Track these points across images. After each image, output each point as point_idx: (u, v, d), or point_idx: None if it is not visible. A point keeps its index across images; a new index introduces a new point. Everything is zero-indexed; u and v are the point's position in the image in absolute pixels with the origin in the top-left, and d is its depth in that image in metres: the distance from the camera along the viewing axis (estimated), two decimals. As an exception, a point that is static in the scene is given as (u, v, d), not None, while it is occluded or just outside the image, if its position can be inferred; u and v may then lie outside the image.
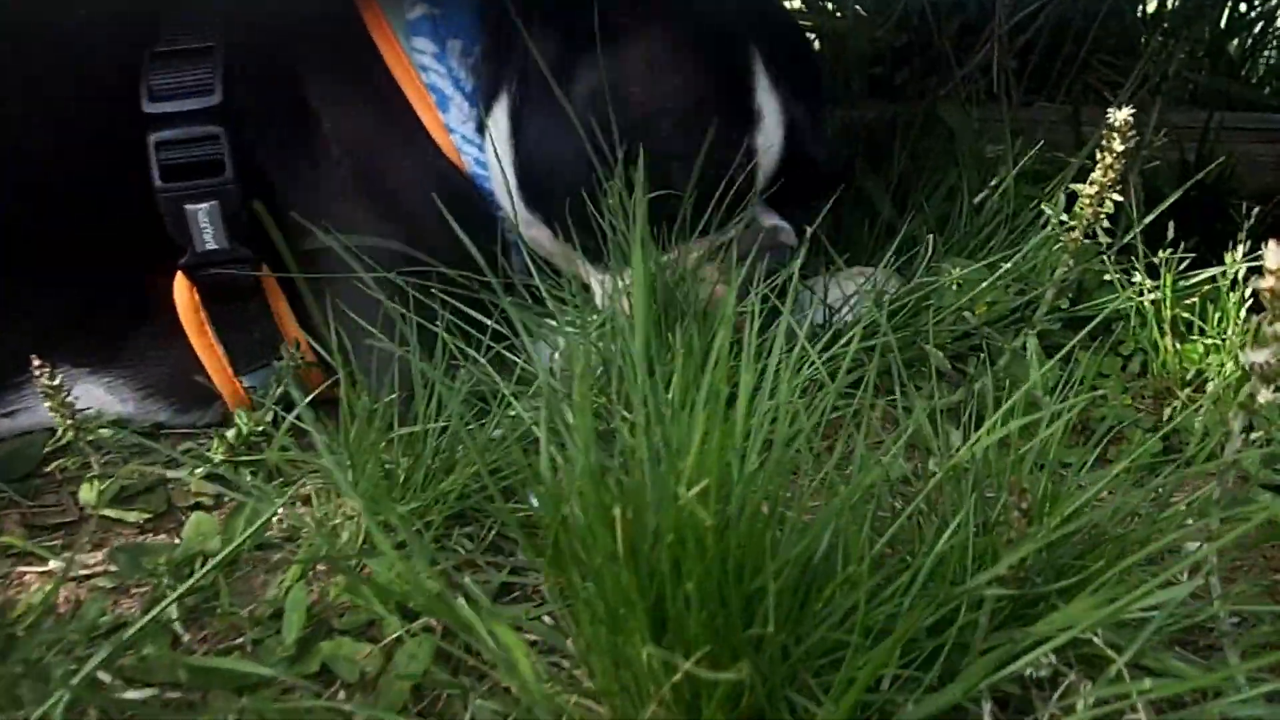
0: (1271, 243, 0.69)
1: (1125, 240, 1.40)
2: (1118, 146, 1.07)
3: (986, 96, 1.91)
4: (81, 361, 1.37)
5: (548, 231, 1.39)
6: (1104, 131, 1.07)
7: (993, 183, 1.56)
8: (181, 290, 1.35)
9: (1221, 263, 1.47)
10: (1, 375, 1.33)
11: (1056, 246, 1.22)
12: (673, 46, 1.33)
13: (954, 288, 1.33)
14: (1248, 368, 0.73)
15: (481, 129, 1.40)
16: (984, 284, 1.33)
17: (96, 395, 1.38)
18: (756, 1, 1.41)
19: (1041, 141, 1.64)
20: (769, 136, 1.35)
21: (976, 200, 1.57)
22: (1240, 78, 2.02)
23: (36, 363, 1.17)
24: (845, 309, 1.43)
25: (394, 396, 1.20)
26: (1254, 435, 0.79)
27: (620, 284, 1.32)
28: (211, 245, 1.32)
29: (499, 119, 1.38)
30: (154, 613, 0.95)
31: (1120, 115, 1.05)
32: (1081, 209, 1.14)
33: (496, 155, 1.38)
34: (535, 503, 0.98)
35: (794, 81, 1.37)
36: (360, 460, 1.08)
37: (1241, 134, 1.87)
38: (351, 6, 1.40)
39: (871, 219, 1.75)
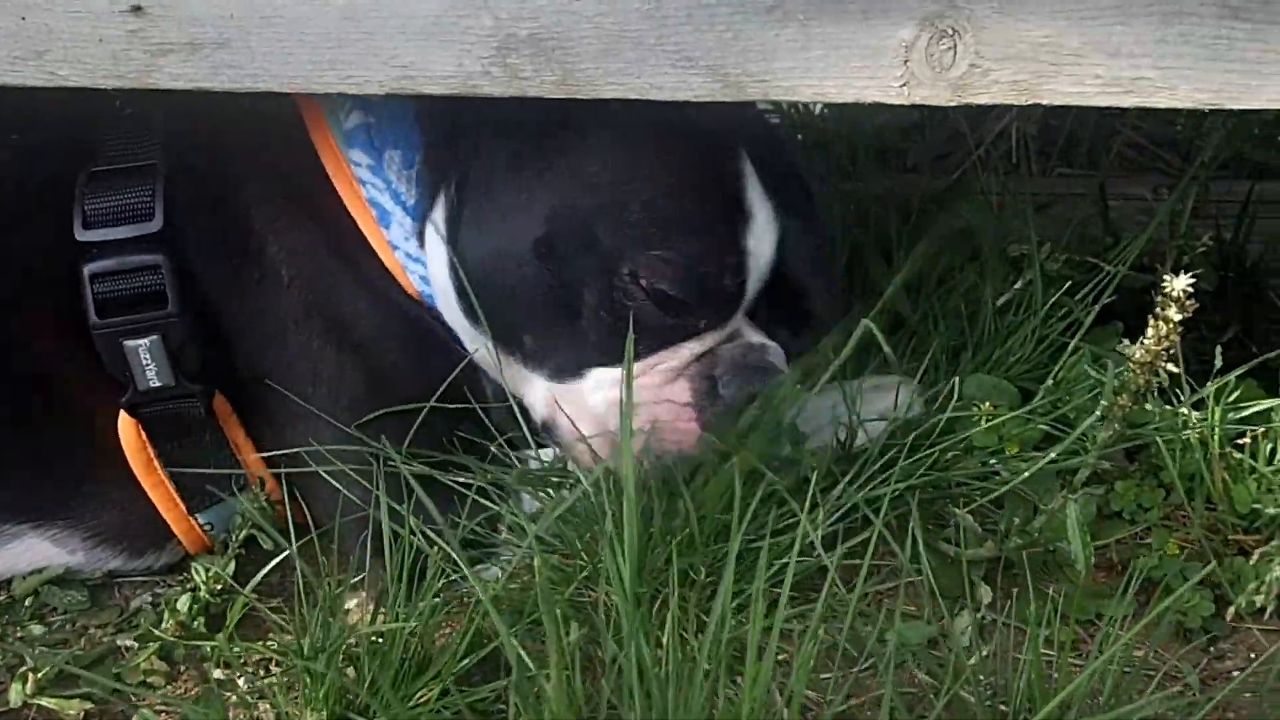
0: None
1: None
2: (1174, 316, 0.94)
3: (1007, 167, 1.79)
4: (23, 517, 1.25)
5: (489, 343, 1.22)
6: (1159, 299, 0.95)
7: (1017, 285, 1.43)
8: (126, 428, 1.24)
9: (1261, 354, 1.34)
10: None
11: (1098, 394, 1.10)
12: (644, 130, 1.13)
13: (982, 422, 1.21)
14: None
15: (424, 244, 1.25)
16: (1014, 419, 1.21)
17: (42, 549, 1.27)
18: (745, 120, 1.23)
19: (1069, 232, 1.52)
20: (760, 239, 1.16)
21: (1000, 302, 1.44)
22: (1276, 143, 1.89)
23: None
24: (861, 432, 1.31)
25: (362, 576, 1.09)
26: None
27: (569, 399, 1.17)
28: (155, 383, 1.20)
29: (436, 224, 1.22)
30: None
31: (1179, 284, 0.93)
32: (1133, 375, 1.02)
33: (437, 264, 1.23)
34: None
35: (786, 197, 1.20)
36: (318, 666, 0.97)
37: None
38: (296, 113, 1.26)
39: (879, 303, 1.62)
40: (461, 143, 1.21)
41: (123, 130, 1.25)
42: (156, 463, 1.25)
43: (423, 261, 1.25)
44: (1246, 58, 0.87)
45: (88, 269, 1.18)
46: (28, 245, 1.23)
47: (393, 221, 1.24)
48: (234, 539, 1.26)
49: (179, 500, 1.27)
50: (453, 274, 1.20)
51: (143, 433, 1.24)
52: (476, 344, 1.24)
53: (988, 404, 1.22)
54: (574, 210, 1.15)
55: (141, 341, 1.19)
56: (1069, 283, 1.43)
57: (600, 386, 1.16)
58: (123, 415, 1.23)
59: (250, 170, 1.25)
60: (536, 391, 1.22)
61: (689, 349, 1.16)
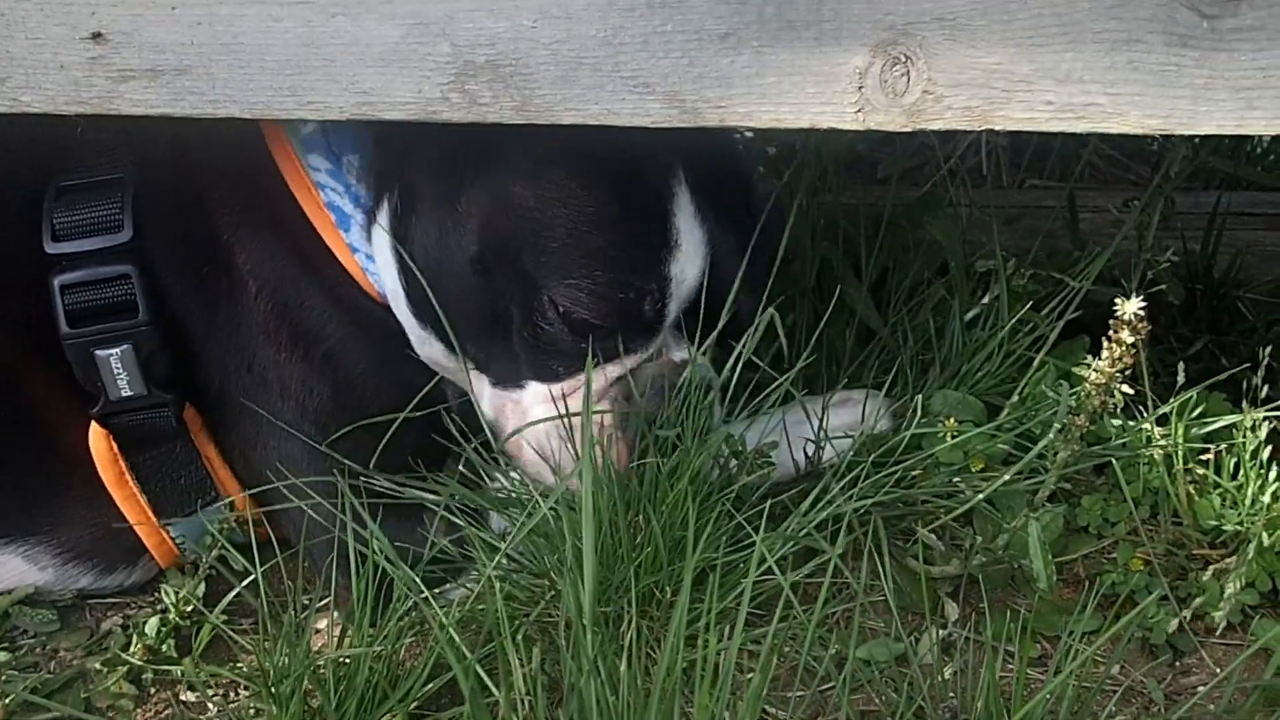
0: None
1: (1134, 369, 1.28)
2: (1127, 339, 0.95)
3: (977, 180, 1.79)
4: None
5: (440, 347, 1.23)
6: (1112, 322, 0.96)
7: (984, 300, 1.44)
8: (97, 440, 1.25)
9: (1230, 366, 1.35)
10: None
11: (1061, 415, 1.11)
12: (578, 147, 1.13)
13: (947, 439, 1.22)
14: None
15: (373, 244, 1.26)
16: (979, 435, 1.22)
17: (13, 566, 1.28)
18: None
19: (1037, 246, 1.53)
20: (685, 265, 1.17)
21: (968, 317, 1.45)
22: (1245, 154, 1.90)
23: None
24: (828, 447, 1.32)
25: (326, 600, 1.09)
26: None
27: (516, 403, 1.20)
28: (127, 392, 1.21)
29: (382, 226, 1.22)
30: None
31: (1129, 307, 0.94)
32: (1088, 397, 1.03)
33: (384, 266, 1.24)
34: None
35: (723, 210, 1.20)
36: (284, 692, 0.97)
37: (1249, 220, 1.75)
38: (254, 121, 1.27)
39: (849, 317, 1.62)
40: (401, 147, 1.22)
41: (89, 145, 1.25)
42: (128, 475, 1.26)
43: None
44: (1194, 84, 0.88)
45: (58, 280, 1.20)
46: None
47: (353, 225, 1.25)
48: (204, 559, 1.26)
49: (151, 513, 1.27)
50: (401, 277, 1.21)
51: (114, 444, 1.25)
52: (424, 346, 1.25)
53: (952, 420, 1.22)
54: (500, 231, 1.16)
55: (113, 351, 1.20)
56: (1036, 298, 1.44)
57: (538, 401, 1.19)
58: (94, 427, 1.24)
59: (211, 179, 1.26)
60: (485, 393, 1.24)
61: (612, 370, 1.18)
